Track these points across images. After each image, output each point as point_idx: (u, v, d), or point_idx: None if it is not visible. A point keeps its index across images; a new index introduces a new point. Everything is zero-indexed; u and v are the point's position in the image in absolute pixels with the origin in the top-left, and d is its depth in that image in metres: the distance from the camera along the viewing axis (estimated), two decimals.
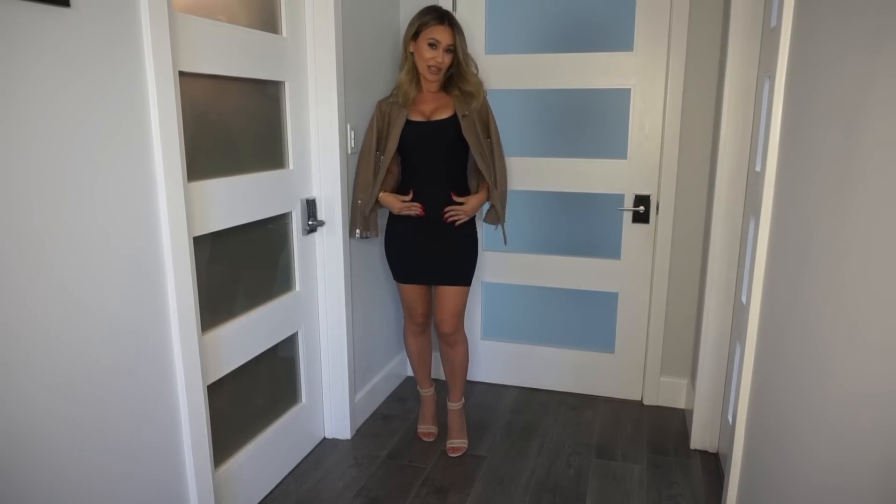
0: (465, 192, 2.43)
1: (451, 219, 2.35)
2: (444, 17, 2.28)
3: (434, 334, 2.68)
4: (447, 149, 2.33)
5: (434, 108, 2.36)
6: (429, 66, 2.29)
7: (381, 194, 2.37)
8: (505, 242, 2.60)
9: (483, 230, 2.55)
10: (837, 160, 1.22)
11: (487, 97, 2.45)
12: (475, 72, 2.39)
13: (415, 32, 2.30)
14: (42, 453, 1.31)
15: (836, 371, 1.16)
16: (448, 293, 2.41)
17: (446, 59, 2.29)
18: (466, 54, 2.34)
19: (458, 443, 2.51)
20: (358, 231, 2.44)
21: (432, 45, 2.26)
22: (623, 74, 2.68)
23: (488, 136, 2.42)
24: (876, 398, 1.00)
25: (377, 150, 2.38)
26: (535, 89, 2.81)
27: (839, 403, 1.14)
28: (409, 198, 2.35)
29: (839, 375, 1.15)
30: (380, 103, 2.41)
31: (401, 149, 2.36)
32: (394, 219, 2.44)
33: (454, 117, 2.32)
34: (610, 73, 2.69)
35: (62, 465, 1.36)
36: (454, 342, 2.48)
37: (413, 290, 2.47)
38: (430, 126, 2.32)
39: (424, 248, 2.39)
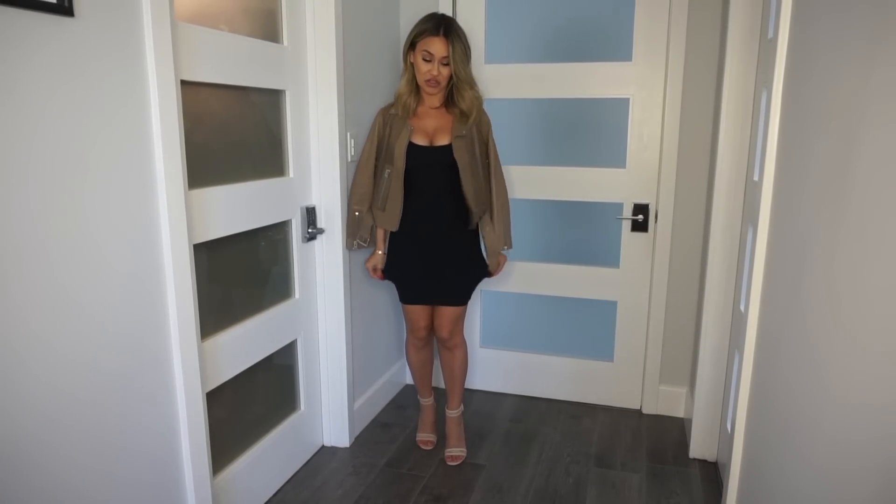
0: (467, 209, 2.36)
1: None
2: (439, 28, 2.20)
3: (435, 343, 2.68)
4: (449, 171, 2.30)
5: (436, 127, 2.32)
6: (426, 81, 2.24)
7: (380, 234, 2.41)
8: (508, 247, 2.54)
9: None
10: (834, 169, 1.23)
11: (488, 115, 2.42)
12: (473, 89, 2.30)
13: (412, 43, 2.26)
14: (41, 458, 1.31)
15: (835, 379, 1.17)
16: (447, 308, 2.43)
17: (444, 72, 2.23)
18: (462, 68, 2.24)
19: (456, 451, 2.51)
20: (356, 243, 2.41)
21: (427, 60, 2.21)
22: (622, 84, 2.69)
23: (487, 157, 2.39)
24: (874, 406, 1.00)
25: (377, 161, 2.36)
26: (534, 98, 2.83)
27: (838, 411, 1.15)
28: (380, 265, 2.44)
29: (837, 383, 1.15)
30: (382, 112, 2.37)
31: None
32: (396, 239, 2.41)
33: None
34: (609, 82, 2.71)
35: (61, 471, 1.36)
36: (453, 346, 2.48)
37: (417, 308, 2.47)
38: (432, 152, 2.29)
39: (429, 270, 2.37)
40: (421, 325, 2.49)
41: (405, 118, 2.31)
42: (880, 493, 0.96)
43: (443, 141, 2.30)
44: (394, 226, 2.35)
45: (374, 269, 2.45)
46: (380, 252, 2.43)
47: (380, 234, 2.42)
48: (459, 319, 2.46)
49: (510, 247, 2.50)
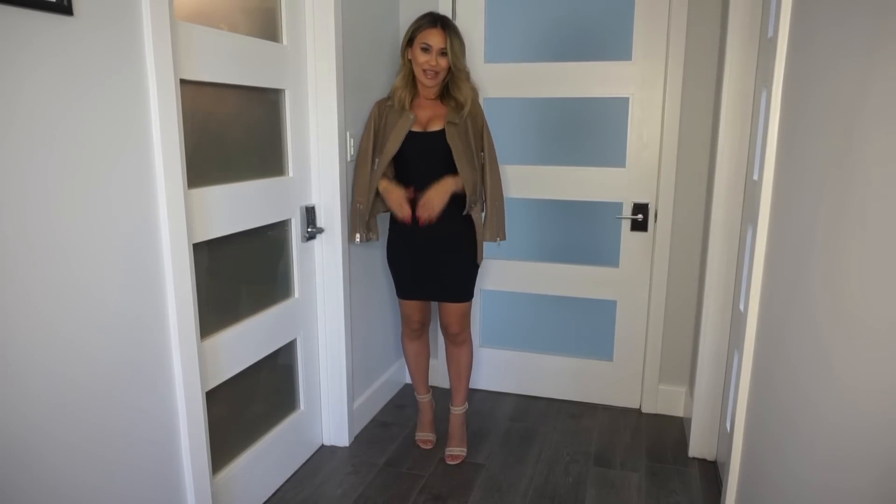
0: (462, 201, 2.39)
1: (423, 221, 2.28)
2: (436, 21, 2.27)
3: (431, 340, 2.69)
4: (443, 158, 2.31)
5: (430, 117, 2.35)
6: (424, 71, 2.28)
7: (382, 183, 2.32)
8: (498, 243, 2.52)
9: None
10: (834, 168, 1.23)
11: (483, 109, 2.44)
12: (469, 82, 2.36)
13: (410, 38, 2.30)
14: (42, 454, 1.31)
15: (834, 378, 1.17)
16: (452, 304, 2.43)
17: (441, 62, 2.27)
18: (459, 62, 2.30)
19: (457, 451, 2.51)
20: (358, 235, 2.42)
21: (425, 50, 2.26)
22: (621, 83, 2.69)
23: (481, 149, 2.40)
24: (874, 402, 1.01)
25: (374, 153, 2.38)
26: (534, 98, 2.83)
27: (837, 410, 1.15)
28: (407, 197, 2.29)
29: (836, 382, 1.15)
30: (378, 104, 2.41)
31: (397, 157, 2.35)
32: (394, 233, 2.44)
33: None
34: (608, 81, 2.71)
35: (61, 468, 1.36)
36: (461, 341, 2.50)
37: (412, 303, 2.48)
38: (425, 137, 2.32)
39: (425, 265, 2.38)
40: (414, 319, 2.52)
41: (402, 110, 2.34)
42: (882, 483, 0.96)
43: (436, 127, 2.32)
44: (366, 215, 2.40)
45: (406, 199, 2.30)
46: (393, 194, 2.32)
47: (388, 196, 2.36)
48: (466, 315, 2.46)
49: (504, 238, 2.46)
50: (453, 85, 2.34)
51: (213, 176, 1.87)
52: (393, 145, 2.31)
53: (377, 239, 2.50)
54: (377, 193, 2.36)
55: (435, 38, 2.25)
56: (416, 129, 2.33)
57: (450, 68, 2.30)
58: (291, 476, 2.37)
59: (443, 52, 2.27)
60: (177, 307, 1.63)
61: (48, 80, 1.26)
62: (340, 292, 2.45)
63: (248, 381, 2.14)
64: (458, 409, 2.58)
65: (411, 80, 2.35)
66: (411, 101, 2.36)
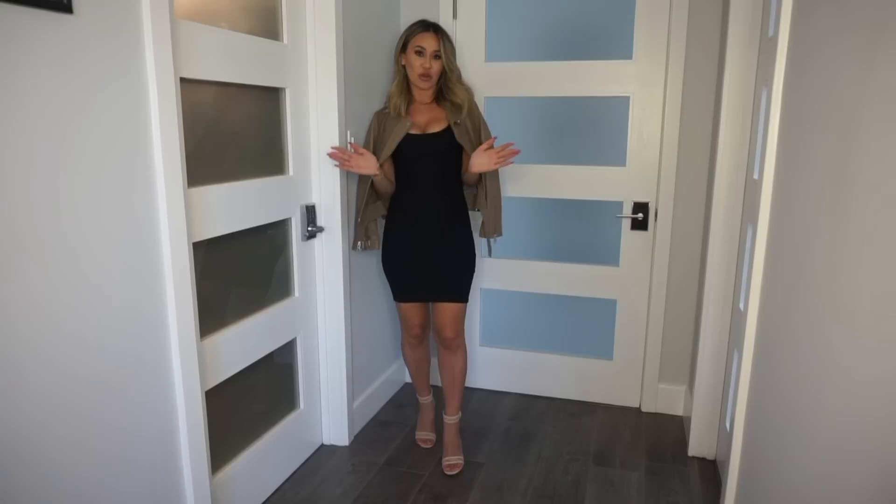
0: (462, 202, 2.44)
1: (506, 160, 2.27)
2: (429, 26, 2.32)
3: (432, 344, 2.68)
4: (443, 160, 2.34)
5: (429, 119, 2.37)
6: (419, 75, 2.30)
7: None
8: (490, 253, 2.65)
9: (478, 238, 2.55)
10: (834, 167, 1.23)
11: (479, 108, 2.47)
12: (462, 83, 2.40)
13: (403, 44, 2.34)
14: (43, 451, 1.31)
15: (835, 374, 1.17)
16: (447, 305, 2.42)
17: (435, 66, 2.30)
18: (452, 64, 2.35)
19: (454, 459, 2.46)
20: (360, 244, 2.47)
21: (419, 53, 2.29)
22: (622, 82, 2.69)
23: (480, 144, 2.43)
24: (875, 397, 1.01)
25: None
26: (534, 97, 2.82)
27: (838, 406, 1.15)
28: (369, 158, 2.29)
29: (837, 379, 1.15)
30: (377, 115, 2.43)
31: (398, 160, 2.36)
32: (391, 235, 2.43)
33: (448, 129, 2.34)
34: (609, 80, 2.71)
35: (61, 465, 1.36)
36: (456, 347, 2.47)
37: (411, 305, 2.48)
38: (425, 138, 2.33)
39: (424, 263, 2.38)
40: (415, 324, 2.50)
41: (398, 116, 2.35)
42: (882, 479, 0.96)
43: (435, 128, 2.34)
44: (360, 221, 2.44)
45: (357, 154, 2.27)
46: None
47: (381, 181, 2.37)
48: (462, 318, 2.45)
49: (500, 234, 2.51)
50: (447, 88, 2.38)
51: (213, 174, 1.87)
52: (390, 145, 2.32)
53: (378, 247, 2.52)
54: (374, 189, 2.41)
55: (428, 42, 2.28)
56: (415, 131, 2.35)
57: (442, 72, 2.34)
58: (291, 475, 2.37)
59: (436, 55, 2.30)
60: (176, 306, 1.63)
61: (49, 79, 1.26)
62: (340, 291, 2.45)
63: (248, 380, 2.13)
64: (451, 419, 2.53)
65: (406, 87, 2.38)
66: (407, 108, 2.38)
